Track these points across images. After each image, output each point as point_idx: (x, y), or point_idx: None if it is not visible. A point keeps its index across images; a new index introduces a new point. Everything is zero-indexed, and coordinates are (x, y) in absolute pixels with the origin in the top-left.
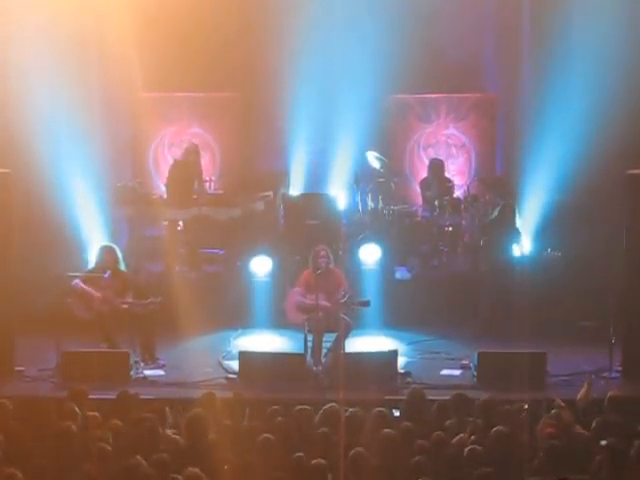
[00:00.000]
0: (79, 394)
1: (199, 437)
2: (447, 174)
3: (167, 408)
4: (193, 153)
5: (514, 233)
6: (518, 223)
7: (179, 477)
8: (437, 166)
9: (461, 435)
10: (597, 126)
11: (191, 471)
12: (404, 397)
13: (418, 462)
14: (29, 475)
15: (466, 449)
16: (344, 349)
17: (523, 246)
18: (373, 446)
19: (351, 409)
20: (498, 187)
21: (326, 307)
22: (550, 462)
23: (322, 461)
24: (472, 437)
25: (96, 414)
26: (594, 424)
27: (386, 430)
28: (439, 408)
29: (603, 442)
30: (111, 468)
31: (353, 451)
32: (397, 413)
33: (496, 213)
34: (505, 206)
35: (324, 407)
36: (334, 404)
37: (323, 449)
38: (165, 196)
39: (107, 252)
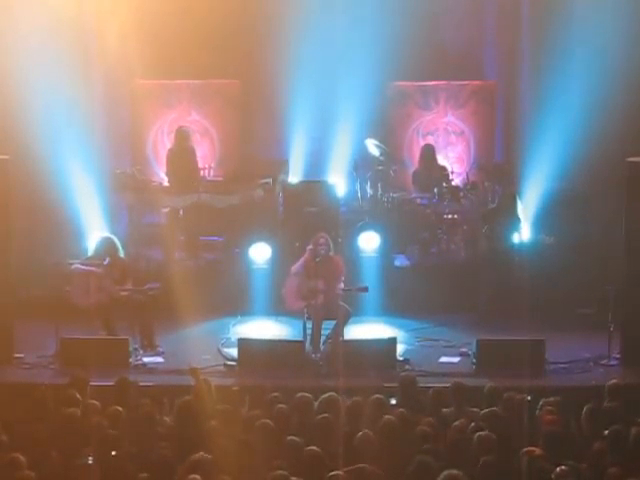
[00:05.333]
0: (80, 382)
1: (189, 423)
2: (444, 161)
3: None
4: (186, 138)
5: (515, 221)
6: (519, 211)
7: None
8: (428, 152)
9: (461, 420)
10: (597, 114)
11: (201, 456)
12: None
13: (417, 448)
14: (31, 460)
15: (467, 436)
16: (343, 336)
17: (523, 234)
18: (371, 432)
19: (350, 396)
20: (497, 174)
21: (325, 290)
22: (549, 449)
23: (315, 448)
24: (473, 424)
25: (95, 402)
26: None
27: (385, 417)
28: (435, 395)
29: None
30: (110, 454)
31: (358, 435)
32: (394, 401)
33: (496, 201)
34: (505, 194)
35: (323, 396)
36: (333, 393)
37: (322, 436)
38: (166, 184)
39: (106, 243)
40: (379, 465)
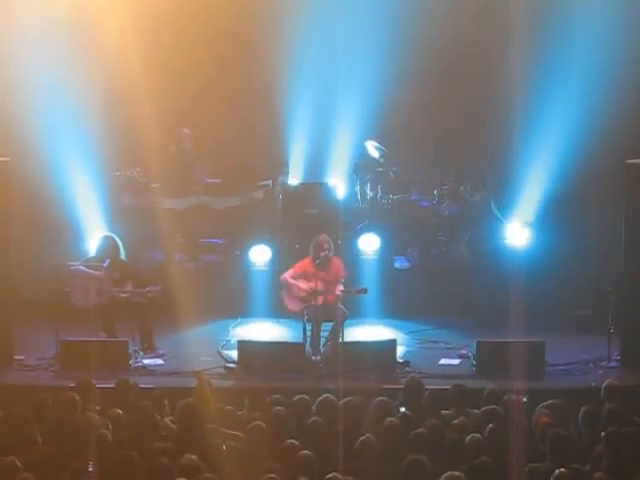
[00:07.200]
0: (86, 386)
1: (191, 425)
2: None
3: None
4: (186, 141)
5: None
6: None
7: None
8: None
9: (460, 419)
10: (596, 115)
11: (188, 458)
12: (402, 386)
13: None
14: (29, 463)
15: (467, 437)
16: (341, 338)
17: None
18: (373, 434)
19: (347, 398)
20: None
21: (324, 292)
22: (553, 451)
23: (307, 452)
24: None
25: (96, 407)
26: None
27: (388, 419)
28: (436, 397)
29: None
30: (110, 456)
31: (362, 438)
32: (402, 409)
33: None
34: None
35: (319, 398)
36: (329, 395)
37: (317, 438)
38: (165, 185)
39: (108, 242)
40: (379, 467)
